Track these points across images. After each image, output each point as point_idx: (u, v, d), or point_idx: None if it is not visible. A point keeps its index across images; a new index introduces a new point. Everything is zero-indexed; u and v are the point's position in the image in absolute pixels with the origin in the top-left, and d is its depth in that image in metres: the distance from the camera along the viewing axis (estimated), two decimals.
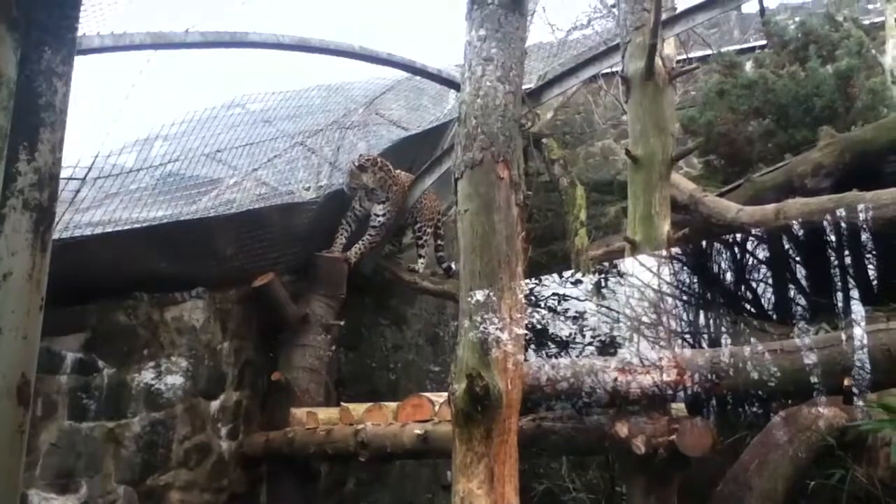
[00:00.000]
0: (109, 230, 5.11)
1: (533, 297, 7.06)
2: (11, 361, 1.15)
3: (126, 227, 5.25)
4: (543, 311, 6.81)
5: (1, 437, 1.13)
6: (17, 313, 1.17)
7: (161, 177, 6.16)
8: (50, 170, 1.24)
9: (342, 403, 5.93)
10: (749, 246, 6.36)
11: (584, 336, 6.50)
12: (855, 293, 5.76)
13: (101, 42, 4.96)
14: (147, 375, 5.55)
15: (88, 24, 4.92)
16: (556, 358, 6.36)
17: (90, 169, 5.04)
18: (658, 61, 5.11)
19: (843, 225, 5.59)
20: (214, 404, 6.04)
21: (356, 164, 6.89)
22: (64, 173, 4.64)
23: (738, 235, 6.12)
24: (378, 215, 7.04)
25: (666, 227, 4.88)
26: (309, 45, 6.14)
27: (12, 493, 1.20)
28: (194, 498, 5.72)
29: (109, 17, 5.04)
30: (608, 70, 7.20)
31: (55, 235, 4.58)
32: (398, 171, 7.21)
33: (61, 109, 1.26)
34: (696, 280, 6.26)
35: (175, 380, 5.72)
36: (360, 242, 7.00)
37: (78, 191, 4.96)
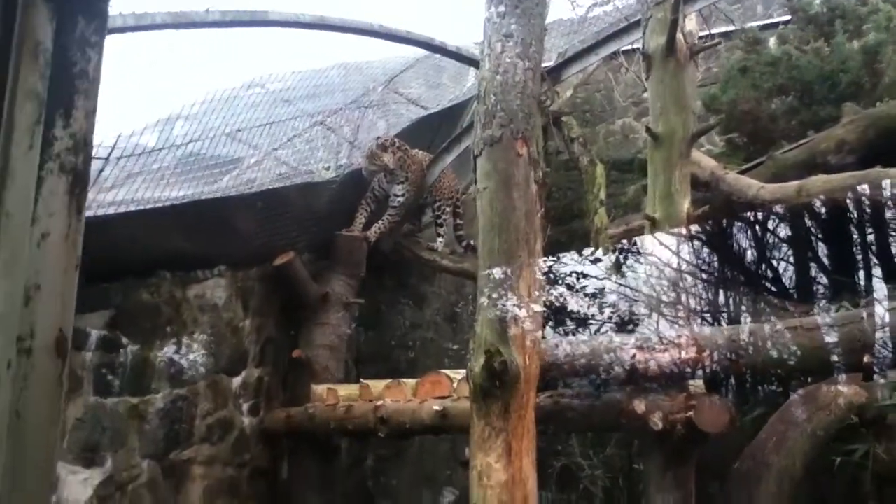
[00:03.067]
0: (133, 209, 5.17)
1: (552, 275, 7.06)
2: (50, 317, 1.21)
3: (149, 207, 5.31)
4: (562, 289, 6.81)
5: (43, 387, 1.19)
6: (55, 271, 1.23)
7: (182, 156, 6.21)
8: (84, 135, 1.29)
9: (362, 380, 5.99)
10: (770, 224, 6.31)
11: (602, 313, 6.51)
12: (877, 271, 5.70)
13: (123, 22, 4.99)
14: (170, 352, 5.64)
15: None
16: (575, 335, 6.37)
17: (113, 148, 5.10)
18: (679, 37, 5.06)
19: (865, 202, 5.53)
20: (236, 381, 6.13)
21: (375, 145, 6.90)
22: None
23: (760, 213, 6.07)
24: (397, 195, 7.06)
25: (686, 204, 4.85)
26: (328, 23, 6.13)
27: (53, 437, 1.27)
28: (216, 472, 5.82)
29: None
30: (629, 47, 7.13)
31: None
32: (416, 151, 7.22)
33: (94, 77, 1.30)
34: (716, 258, 6.23)
35: (197, 357, 5.81)
36: (380, 222, 7.04)
37: (101, 170, 5.02)
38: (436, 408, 4.92)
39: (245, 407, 6.18)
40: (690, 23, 6.58)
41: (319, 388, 6.00)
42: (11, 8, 1.18)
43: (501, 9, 3.90)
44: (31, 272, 1.18)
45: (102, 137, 5.00)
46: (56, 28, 1.22)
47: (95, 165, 4.93)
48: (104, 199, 5.15)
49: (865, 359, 3.61)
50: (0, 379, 1.12)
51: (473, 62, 6.86)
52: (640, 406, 4.00)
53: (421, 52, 8.04)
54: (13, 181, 1.17)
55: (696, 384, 4.16)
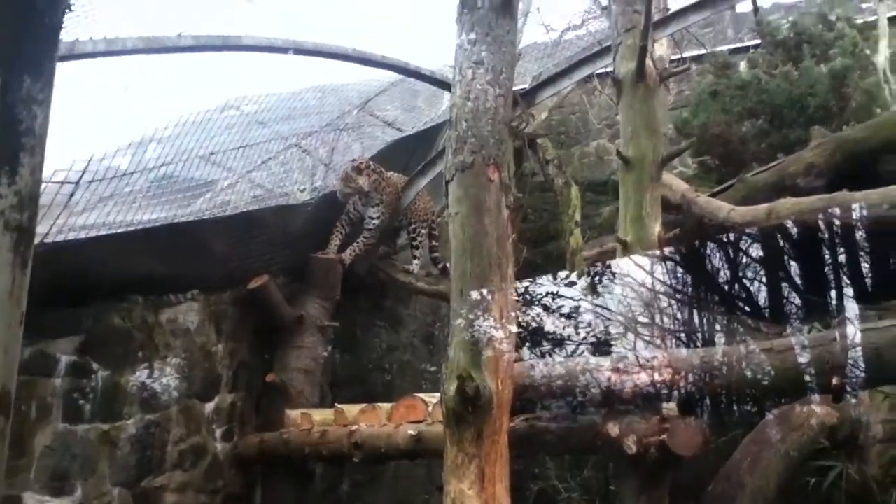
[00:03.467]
0: (104, 233, 5.12)
1: (528, 296, 7.07)
2: None
3: (121, 230, 5.26)
4: (538, 311, 6.82)
5: None
6: None
7: (155, 179, 6.17)
8: (30, 191, 1.29)
9: (337, 405, 5.95)
10: (742, 245, 6.38)
11: (578, 335, 6.51)
12: (848, 291, 5.77)
13: (94, 47, 4.96)
14: (142, 377, 5.56)
15: (79, 23, 4.91)
16: (551, 357, 6.38)
17: (84, 172, 5.05)
18: (649, 63, 5.14)
19: (835, 224, 5.61)
20: (209, 406, 6.06)
21: (350, 168, 6.90)
22: (58, 176, 4.68)
23: (732, 235, 6.14)
24: (372, 218, 7.07)
25: (657, 227, 4.90)
26: (302, 47, 6.14)
27: None
28: (189, 500, 5.73)
29: (100, 18, 5.02)
30: (603, 70, 7.22)
31: (50, 239, 4.57)
32: (391, 173, 7.24)
33: (40, 134, 1.31)
34: (689, 280, 6.28)
35: (170, 382, 5.74)
36: (355, 244, 7.03)
37: (72, 194, 4.97)
38: (411, 432, 4.90)
39: (218, 432, 6.11)
40: (661, 48, 6.69)
41: (294, 413, 5.95)
42: None
43: (472, 36, 3.93)
44: None
45: (73, 161, 4.97)
46: (2, 87, 1.22)
47: (66, 189, 4.88)
48: (75, 223, 5.09)
49: (834, 380, 3.65)
50: None
51: (448, 86, 6.90)
52: (614, 429, 4.00)
53: (396, 75, 8.07)
54: None
55: (670, 406, 4.18)
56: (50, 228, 4.63)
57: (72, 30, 4.57)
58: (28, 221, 1.27)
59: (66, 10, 1.39)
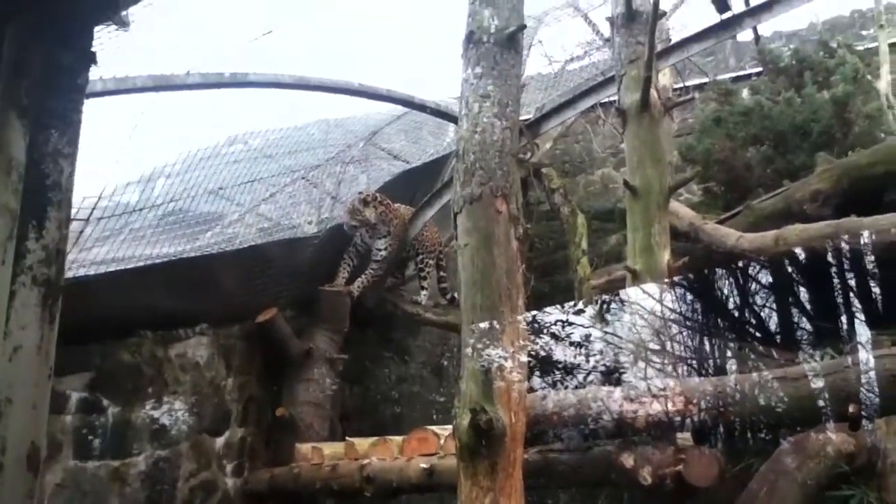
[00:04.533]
0: (113, 269, 5.13)
1: (536, 325, 7.05)
2: (22, 431, 1.20)
3: (130, 266, 5.27)
4: (547, 341, 6.79)
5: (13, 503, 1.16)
6: (27, 384, 1.22)
7: (164, 214, 6.20)
8: (57, 245, 1.30)
9: (347, 438, 5.92)
10: (751, 272, 6.37)
11: (588, 365, 6.48)
12: (859, 317, 5.75)
13: (104, 86, 5.02)
14: (152, 413, 5.54)
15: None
16: (562, 388, 6.35)
17: (94, 209, 5.08)
18: (653, 93, 5.17)
19: (844, 250, 5.60)
20: (219, 441, 6.03)
21: (357, 200, 6.93)
22: None
23: (740, 262, 6.13)
24: (380, 249, 7.08)
25: (666, 256, 4.90)
26: (308, 83, 6.21)
27: None
28: None
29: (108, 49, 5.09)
30: (606, 99, 7.27)
31: None
32: (398, 205, 7.27)
33: (67, 188, 1.32)
34: (699, 307, 6.26)
35: (180, 417, 5.71)
36: (363, 276, 7.04)
37: (82, 231, 4.99)
38: (423, 466, 4.87)
39: (228, 468, 6.07)
40: (664, 77, 6.75)
41: (304, 447, 5.92)
42: None
43: (478, 70, 3.98)
44: (2, 386, 1.17)
45: (83, 198, 4.99)
46: (29, 142, 1.23)
47: (76, 226, 4.90)
48: (84, 258, 5.11)
49: (851, 408, 3.62)
50: None
51: (453, 118, 6.96)
52: (628, 460, 3.97)
53: (401, 107, 8.14)
54: None
55: (684, 436, 4.15)
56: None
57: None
58: (56, 275, 1.28)
59: (92, 65, 1.40)
